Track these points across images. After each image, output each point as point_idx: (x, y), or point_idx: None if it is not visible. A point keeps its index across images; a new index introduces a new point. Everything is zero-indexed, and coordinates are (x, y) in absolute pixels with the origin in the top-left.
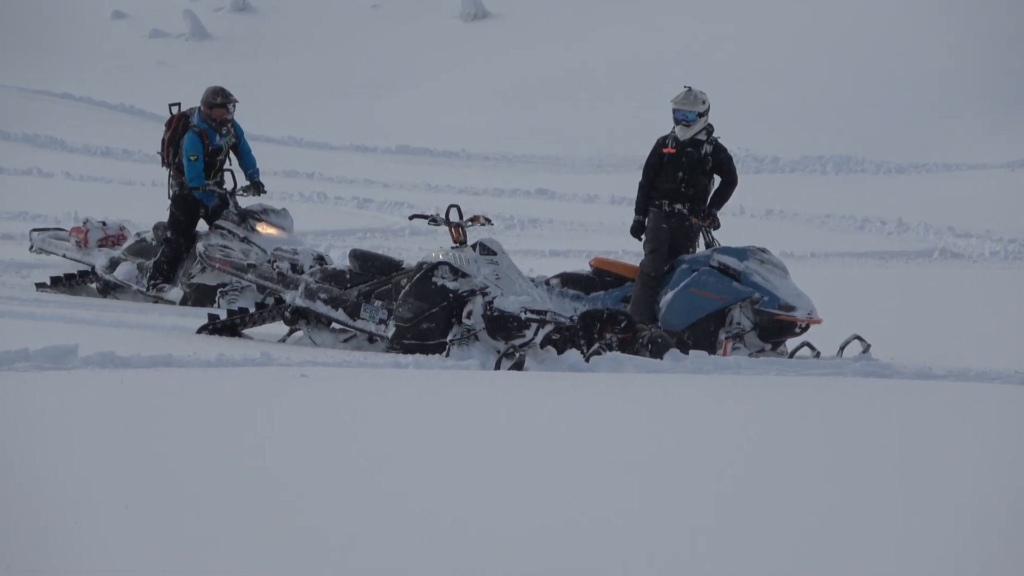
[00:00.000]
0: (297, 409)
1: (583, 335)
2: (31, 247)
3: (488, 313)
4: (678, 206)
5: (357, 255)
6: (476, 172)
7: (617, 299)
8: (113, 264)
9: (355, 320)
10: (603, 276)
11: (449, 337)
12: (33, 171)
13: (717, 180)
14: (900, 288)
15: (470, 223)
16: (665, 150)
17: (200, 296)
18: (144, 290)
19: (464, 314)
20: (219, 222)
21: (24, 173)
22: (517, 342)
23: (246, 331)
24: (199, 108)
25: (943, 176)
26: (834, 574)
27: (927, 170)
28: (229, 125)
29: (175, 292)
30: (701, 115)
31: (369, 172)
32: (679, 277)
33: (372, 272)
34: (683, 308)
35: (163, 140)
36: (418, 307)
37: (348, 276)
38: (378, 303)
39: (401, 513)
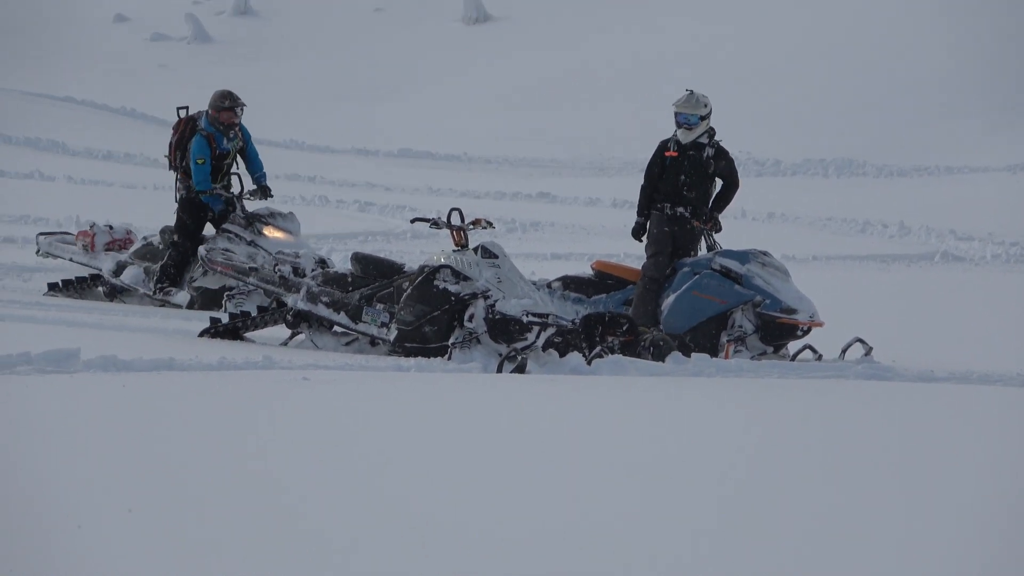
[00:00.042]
0: (299, 412)
1: (585, 338)
2: (38, 251)
3: (490, 316)
4: (680, 209)
5: (359, 258)
6: (478, 175)
7: (619, 302)
8: (120, 268)
9: (357, 323)
10: (605, 279)
11: (451, 340)
12: (35, 174)
13: (719, 183)
14: (902, 291)
15: (472, 226)
16: (667, 153)
17: (207, 300)
18: (151, 294)
19: (466, 317)
20: (226, 225)
21: (26, 176)
22: (519, 345)
23: (248, 334)
24: (207, 112)
25: (945, 179)
26: None
27: (929, 173)
28: (237, 129)
29: (182, 296)
30: (703, 118)
31: (371, 175)
32: (681, 280)
33: (374, 275)
34: (685, 311)
35: (170, 144)
36: (420, 310)
37: (350, 279)
38: (380, 306)
39: (403, 516)
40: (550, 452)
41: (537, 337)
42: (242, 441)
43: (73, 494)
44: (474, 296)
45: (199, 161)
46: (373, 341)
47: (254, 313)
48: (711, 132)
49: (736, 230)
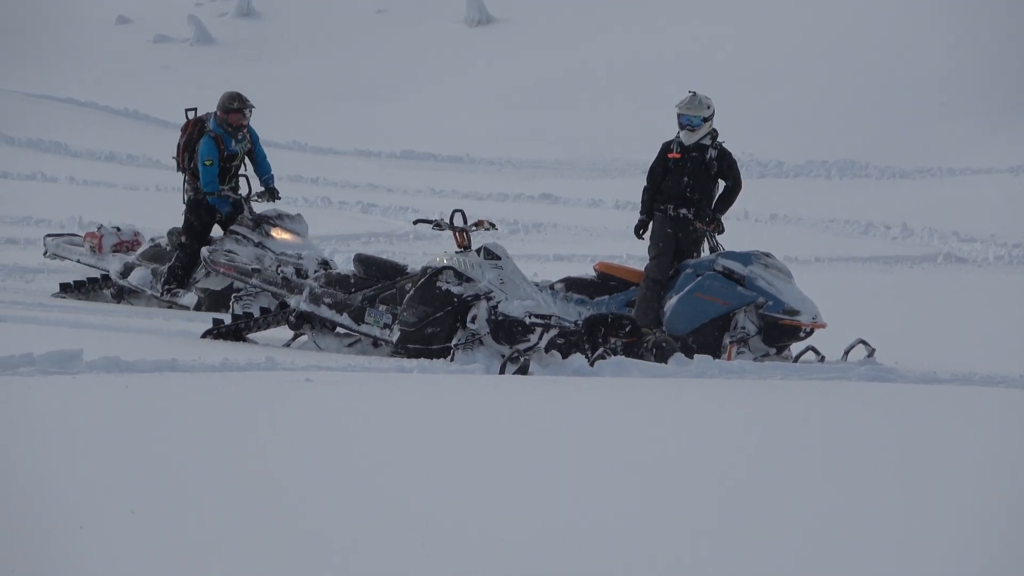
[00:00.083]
0: (301, 414)
1: (588, 339)
2: (45, 252)
3: (492, 317)
4: (683, 210)
5: (361, 260)
6: (480, 177)
7: (622, 303)
8: (127, 269)
9: (359, 324)
10: (607, 280)
11: (453, 341)
12: (37, 176)
13: (722, 184)
14: (904, 292)
15: (474, 228)
16: (670, 155)
17: (214, 301)
18: (158, 295)
19: (468, 318)
20: (233, 227)
21: (28, 178)
22: (521, 346)
23: (251, 336)
24: (215, 113)
25: (947, 180)
26: None
27: (931, 174)
28: (245, 130)
29: (189, 297)
30: (706, 119)
31: (373, 177)
32: (684, 281)
33: (376, 277)
34: (688, 312)
35: (178, 145)
36: (422, 311)
37: (352, 281)
38: (382, 307)
39: (403, 516)
40: (551, 452)
41: (540, 338)
42: (244, 442)
43: (75, 495)
44: (477, 297)
45: (207, 163)
46: (376, 342)
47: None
48: (714, 133)
49: (739, 231)
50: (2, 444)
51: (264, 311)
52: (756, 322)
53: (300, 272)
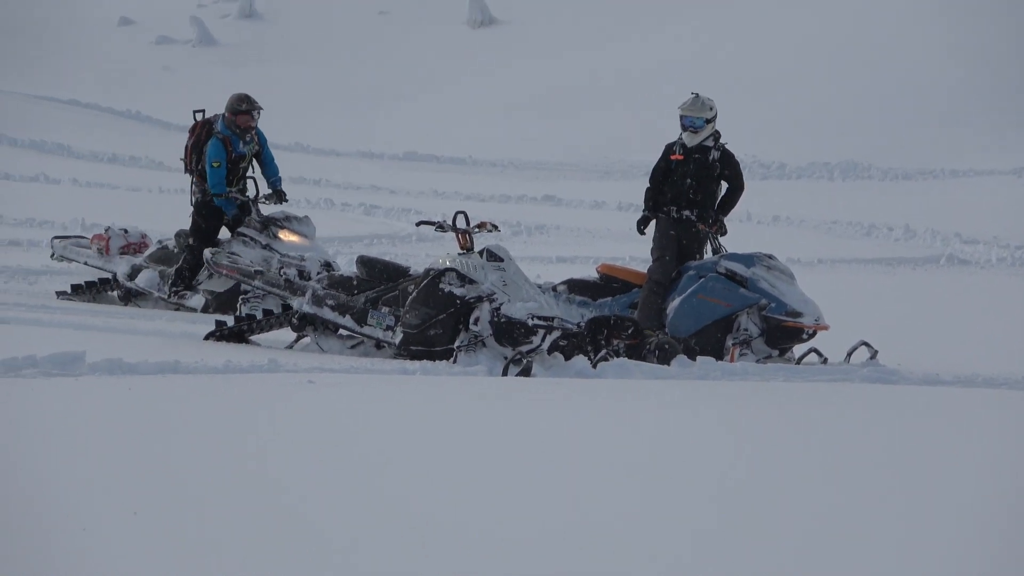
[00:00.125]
0: (304, 415)
1: (590, 341)
2: (52, 254)
3: (495, 319)
4: (686, 212)
5: (364, 261)
6: (483, 178)
7: (624, 305)
8: (135, 271)
9: (362, 326)
10: (610, 282)
11: (456, 343)
12: (40, 177)
13: (724, 186)
14: (907, 294)
15: (477, 229)
16: (673, 156)
17: (222, 303)
18: (166, 297)
19: (471, 320)
20: (241, 229)
21: (31, 179)
22: (524, 348)
23: (253, 338)
24: (223, 115)
25: (950, 182)
26: None
27: (934, 176)
28: (253, 132)
29: (197, 299)
30: (708, 121)
31: (376, 178)
32: (686, 283)
33: (379, 278)
34: (690, 314)
35: (186, 146)
36: (425, 313)
37: (355, 282)
38: (385, 309)
39: (405, 516)
40: (552, 453)
41: (542, 340)
42: (247, 444)
43: (78, 497)
44: (479, 299)
45: (215, 164)
46: (378, 344)
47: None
48: (716, 135)
49: (741, 233)
50: (5, 446)
51: (267, 313)
52: (759, 324)
53: (303, 274)
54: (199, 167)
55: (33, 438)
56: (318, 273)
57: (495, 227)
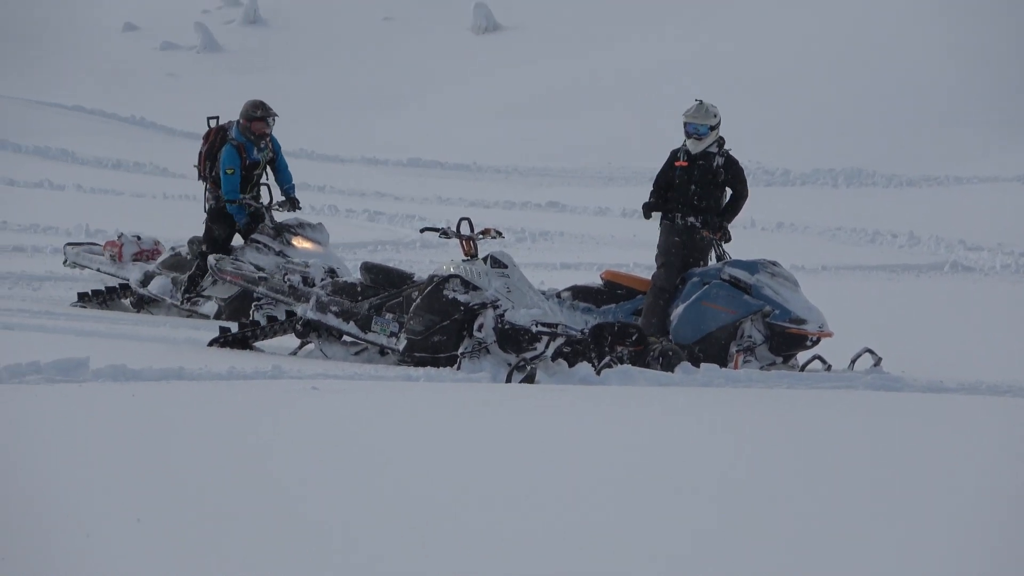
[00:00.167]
0: (307, 421)
1: (594, 348)
2: (65, 261)
3: (499, 326)
4: (690, 219)
5: (368, 268)
6: (487, 185)
7: (628, 312)
8: (147, 278)
9: (366, 333)
10: (614, 289)
11: (460, 350)
12: (44, 183)
13: (729, 192)
14: (911, 301)
15: (481, 236)
16: (677, 163)
17: (234, 310)
18: (179, 304)
19: (475, 327)
20: (255, 236)
21: (35, 186)
22: (528, 355)
23: (257, 344)
24: (238, 121)
25: (954, 189)
26: None
27: (938, 183)
28: (267, 139)
29: (209, 306)
30: (712, 128)
31: (380, 185)
32: (690, 290)
33: (383, 285)
34: (694, 321)
35: (200, 153)
36: (429, 320)
37: (359, 289)
38: (389, 316)
39: (407, 517)
40: (552, 454)
41: (546, 347)
42: (250, 450)
43: (81, 503)
44: (483, 306)
45: (228, 171)
46: (382, 351)
47: (261, 322)
48: (720, 141)
49: (745, 240)
50: (9, 452)
51: (271, 319)
52: (763, 331)
53: (307, 280)
54: (213, 174)
55: (37, 444)
56: (322, 279)
57: (499, 234)
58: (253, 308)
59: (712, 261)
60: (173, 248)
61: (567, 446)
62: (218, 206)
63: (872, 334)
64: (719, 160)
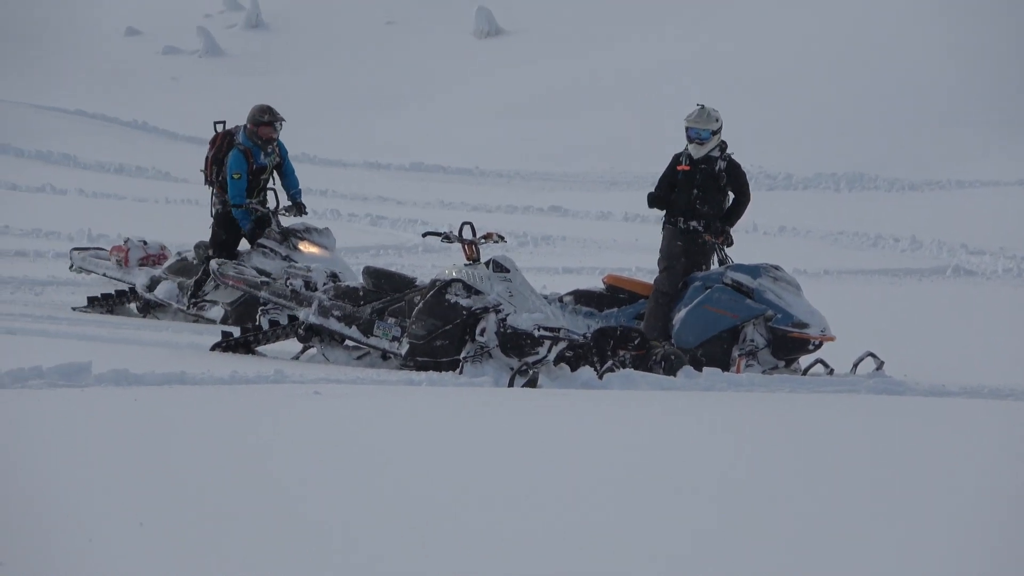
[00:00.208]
0: (308, 423)
1: (596, 352)
2: (71, 266)
3: (501, 330)
4: (693, 223)
5: (370, 272)
6: (489, 189)
7: (630, 316)
8: (153, 283)
9: (368, 337)
10: (616, 293)
11: (462, 354)
12: (46, 188)
13: (731, 197)
14: (913, 305)
15: (483, 240)
16: (679, 167)
17: (240, 315)
18: (185, 309)
19: (477, 331)
20: (261, 240)
21: (37, 190)
22: (530, 359)
23: (260, 348)
24: (245, 126)
25: (956, 193)
26: None
27: (940, 187)
28: (274, 144)
29: (216, 311)
30: (714, 133)
31: (382, 189)
32: (692, 294)
33: (385, 289)
34: (696, 325)
35: (207, 158)
36: (431, 324)
37: (361, 293)
38: (391, 320)
39: (407, 517)
40: (552, 454)
41: (549, 351)
42: (253, 455)
43: (84, 508)
44: (486, 310)
45: (235, 176)
46: (385, 355)
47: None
48: (723, 145)
49: (748, 244)
50: (11, 456)
51: (273, 324)
52: (765, 335)
53: (309, 284)
54: (220, 178)
55: (39, 449)
56: (324, 284)
57: (501, 238)
58: (260, 312)
59: (714, 265)
60: (180, 253)
61: (567, 446)
62: (225, 211)
63: (874, 338)
64: (721, 164)
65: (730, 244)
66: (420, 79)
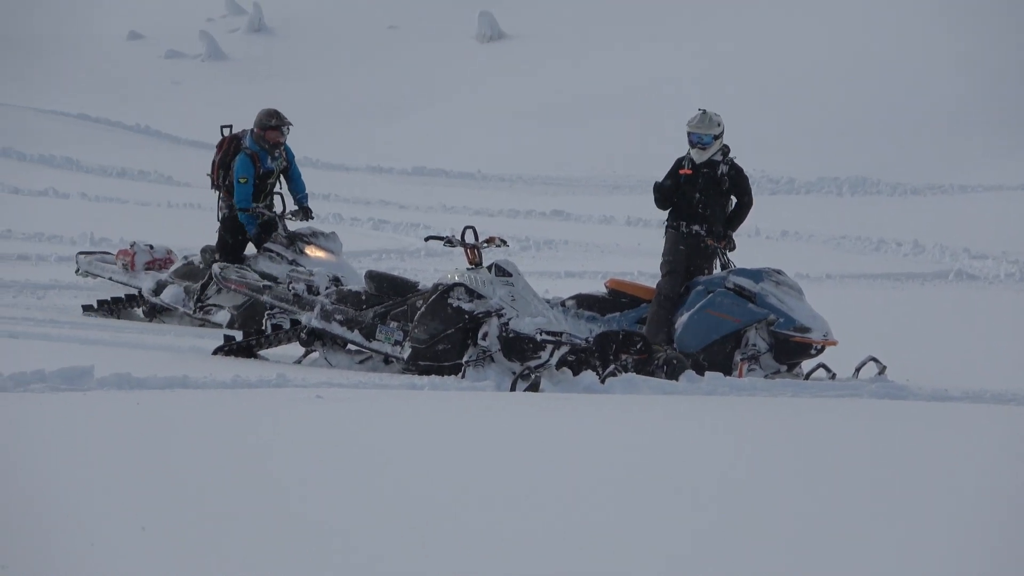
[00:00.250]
0: (308, 424)
1: (599, 356)
2: (77, 269)
3: (504, 334)
4: (695, 227)
5: (373, 276)
6: (492, 193)
7: (633, 320)
8: (160, 287)
9: (371, 341)
10: (619, 297)
11: (465, 358)
12: (49, 192)
13: (734, 201)
14: (916, 309)
15: (485, 244)
16: (682, 171)
17: (247, 319)
18: (191, 313)
19: (480, 335)
20: (268, 245)
21: (40, 194)
22: (533, 363)
23: (262, 352)
24: (252, 130)
25: (959, 197)
26: None
27: (943, 191)
28: (281, 148)
29: (222, 315)
30: (716, 137)
31: (385, 193)
32: (695, 298)
33: (388, 293)
34: (699, 329)
35: (214, 162)
36: (434, 328)
37: (364, 297)
38: (394, 324)
39: (407, 517)
40: (552, 455)
41: (551, 355)
42: (255, 459)
43: (86, 511)
44: (488, 314)
45: (242, 180)
46: (387, 359)
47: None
48: (725, 150)
49: (750, 248)
50: (13, 460)
51: (275, 328)
52: (767, 339)
53: (311, 288)
54: (226, 183)
55: (41, 452)
56: (327, 288)
57: (503, 242)
58: (266, 317)
59: (717, 269)
60: (186, 257)
61: (567, 447)
62: (231, 215)
63: (876, 342)
64: (724, 168)
65: (732, 248)
66: (423, 83)
